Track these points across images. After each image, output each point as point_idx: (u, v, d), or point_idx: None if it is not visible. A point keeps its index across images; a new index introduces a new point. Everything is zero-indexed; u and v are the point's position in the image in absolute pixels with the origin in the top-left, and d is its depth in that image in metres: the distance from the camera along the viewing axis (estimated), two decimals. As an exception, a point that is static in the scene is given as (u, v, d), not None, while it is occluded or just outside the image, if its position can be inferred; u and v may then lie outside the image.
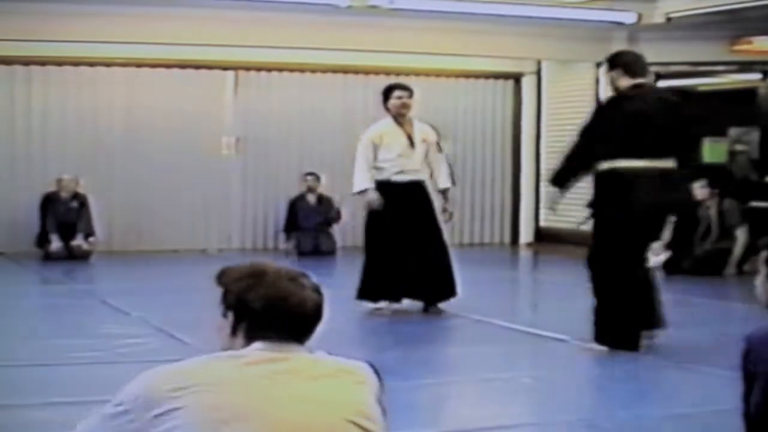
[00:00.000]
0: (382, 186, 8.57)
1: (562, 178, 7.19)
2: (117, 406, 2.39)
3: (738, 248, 11.60)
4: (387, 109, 8.71)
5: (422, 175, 8.72)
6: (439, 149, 8.86)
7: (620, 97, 6.99)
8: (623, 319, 6.96)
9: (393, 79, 14.32)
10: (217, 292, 2.59)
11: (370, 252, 8.67)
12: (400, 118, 8.66)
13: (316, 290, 2.54)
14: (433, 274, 8.55)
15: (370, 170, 8.56)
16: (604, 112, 7.03)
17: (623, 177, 6.81)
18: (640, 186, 6.78)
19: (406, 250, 8.49)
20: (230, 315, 2.54)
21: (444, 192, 8.88)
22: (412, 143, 8.64)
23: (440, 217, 8.77)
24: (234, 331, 2.52)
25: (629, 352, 6.91)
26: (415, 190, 8.63)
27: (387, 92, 8.74)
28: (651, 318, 7.19)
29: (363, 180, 8.59)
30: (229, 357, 2.45)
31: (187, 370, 2.40)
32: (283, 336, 2.47)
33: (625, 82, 6.95)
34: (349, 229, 13.49)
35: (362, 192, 8.61)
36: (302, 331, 2.50)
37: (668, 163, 6.88)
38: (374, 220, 8.66)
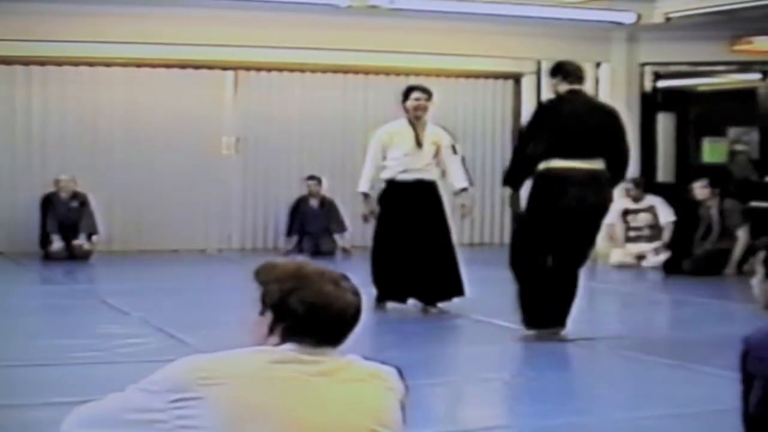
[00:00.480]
0: (389, 184, 8.75)
1: (515, 179, 7.60)
2: (149, 383, 2.41)
3: (739, 248, 11.59)
4: (405, 109, 8.83)
5: (428, 175, 8.79)
6: (454, 151, 8.96)
7: (557, 99, 7.53)
8: (544, 303, 7.40)
9: (393, 80, 14.40)
10: (255, 288, 2.51)
11: (376, 251, 8.82)
12: (414, 119, 8.78)
13: (356, 293, 2.51)
14: (436, 274, 8.60)
15: (376, 170, 8.76)
16: (542, 113, 7.56)
17: (554, 176, 7.26)
18: (568, 186, 7.22)
19: (410, 248, 8.56)
20: (269, 314, 2.48)
21: (460, 192, 8.95)
22: (419, 144, 8.72)
23: (451, 216, 8.92)
24: (271, 331, 2.48)
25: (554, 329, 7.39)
26: (420, 189, 8.72)
27: (406, 93, 8.88)
28: (563, 317, 7.53)
29: (365, 182, 8.85)
30: (262, 353, 2.42)
31: (218, 361, 2.39)
32: (321, 340, 2.45)
33: (564, 87, 7.48)
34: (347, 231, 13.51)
35: (363, 195, 8.87)
36: (340, 336, 2.48)
37: (596, 165, 7.35)
38: (380, 219, 8.81)
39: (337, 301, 2.46)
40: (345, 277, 2.52)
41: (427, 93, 8.84)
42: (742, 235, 11.63)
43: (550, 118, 7.41)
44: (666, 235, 12.51)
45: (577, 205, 7.27)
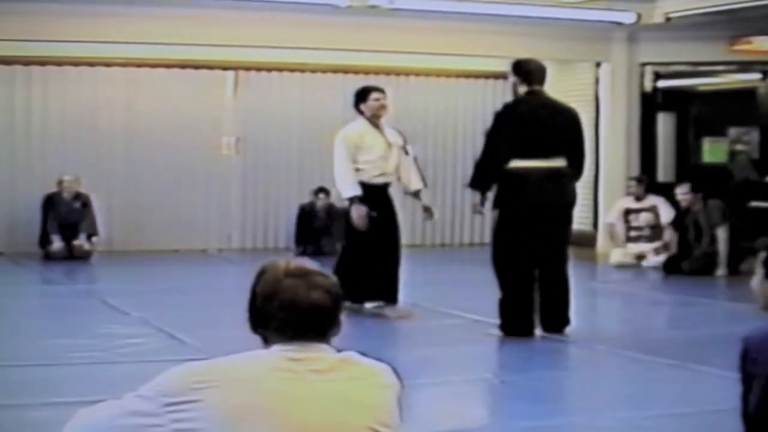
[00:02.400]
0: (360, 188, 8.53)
1: (479, 182, 7.71)
2: (144, 389, 2.43)
3: (722, 248, 11.56)
4: (360, 111, 8.68)
5: (393, 178, 8.79)
6: (406, 152, 8.89)
7: (517, 101, 7.68)
8: (516, 309, 7.51)
9: (393, 79, 14.40)
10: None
11: (350, 255, 8.58)
12: (375, 119, 8.65)
13: (322, 286, 2.48)
14: (392, 278, 8.61)
15: (355, 173, 8.48)
16: (502, 116, 7.66)
17: (515, 176, 7.43)
18: (529, 185, 7.39)
19: (380, 252, 8.48)
20: (258, 331, 2.53)
21: (417, 194, 8.96)
22: (390, 146, 8.67)
23: (403, 217, 8.99)
24: (266, 341, 2.50)
25: (524, 338, 7.46)
26: (386, 192, 8.72)
27: (363, 94, 8.70)
28: (561, 317, 7.63)
29: (352, 185, 8.48)
30: (254, 355, 2.45)
31: (213, 366, 2.42)
32: (304, 336, 2.45)
33: (523, 89, 7.63)
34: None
35: (353, 198, 8.48)
36: (318, 328, 2.47)
37: (557, 163, 7.52)
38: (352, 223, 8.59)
39: (299, 294, 2.44)
40: (313, 272, 2.50)
41: (385, 92, 8.76)
42: (721, 234, 11.59)
43: (509, 120, 7.54)
44: (667, 235, 12.49)
45: (539, 204, 7.44)
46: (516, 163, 7.43)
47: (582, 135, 7.92)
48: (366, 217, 8.40)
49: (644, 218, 12.73)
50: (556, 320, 7.60)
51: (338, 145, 8.60)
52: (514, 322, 7.52)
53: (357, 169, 8.50)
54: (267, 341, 2.50)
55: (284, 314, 2.45)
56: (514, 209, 7.46)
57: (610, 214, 13.05)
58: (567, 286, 7.63)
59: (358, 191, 8.43)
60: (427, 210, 9.01)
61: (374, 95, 8.64)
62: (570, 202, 7.74)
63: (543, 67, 7.80)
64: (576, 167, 7.72)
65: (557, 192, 7.53)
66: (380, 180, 8.60)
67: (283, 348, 2.45)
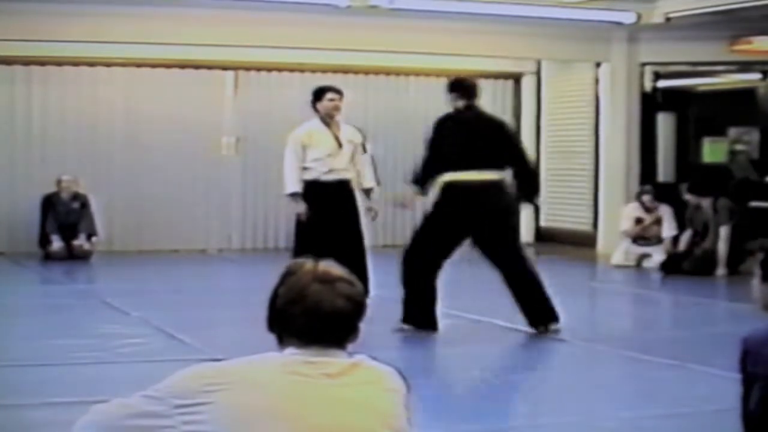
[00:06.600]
0: (311, 185, 8.80)
1: (422, 183, 7.94)
2: (154, 391, 2.43)
3: (722, 247, 11.53)
4: (316, 109, 8.92)
5: (349, 174, 8.95)
6: (364, 150, 9.11)
7: (454, 114, 7.98)
8: (419, 301, 7.77)
9: (393, 79, 14.42)
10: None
11: (299, 252, 8.63)
12: (328, 119, 8.89)
13: (347, 295, 2.48)
14: (358, 270, 8.59)
15: (299, 171, 8.81)
16: (441, 127, 7.93)
17: (454, 189, 7.64)
18: (466, 197, 7.62)
19: (331, 249, 8.51)
20: (275, 330, 2.51)
21: (368, 191, 9.14)
22: (339, 144, 8.86)
23: (364, 216, 9.08)
24: (281, 341, 2.50)
25: (430, 331, 7.71)
26: (342, 189, 8.88)
27: (319, 93, 8.95)
28: (543, 312, 7.73)
29: (294, 182, 8.85)
30: (266, 358, 2.44)
31: (225, 368, 2.42)
32: (320, 342, 2.45)
33: (461, 103, 7.99)
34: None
35: (293, 195, 8.85)
36: (335, 336, 2.47)
37: (493, 175, 7.73)
38: (306, 219, 8.80)
39: (324, 301, 2.44)
40: (339, 278, 2.50)
41: (341, 93, 8.96)
42: (724, 232, 11.57)
43: (449, 132, 7.81)
44: (666, 245, 12.33)
45: (475, 211, 7.63)
46: (454, 176, 7.63)
47: (520, 144, 8.29)
48: (303, 213, 8.76)
49: (652, 231, 12.50)
50: (539, 315, 7.70)
51: (288, 144, 8.97)
52: (418, 314, 7.75)
53: (306, 168, 8.80)
54: (282, 341, 2.49)
55: (306, 320, 2.44)
56: (450, 220, 7.65)
57: (624, 222, 12.65)
58: (536, 282, 7.74)
59: (296, 188, 8.80)
60: (369, 210, 9.16)
61: (329, 95, 8.89)
62: (503, 208, 7.84)
63: (476, 84, 8.30)
64: (525, 175, 7.90)
65: (492, 201, 7.68)
66: (331, 177, 8.82)
67: (296, 351, 2.44)
